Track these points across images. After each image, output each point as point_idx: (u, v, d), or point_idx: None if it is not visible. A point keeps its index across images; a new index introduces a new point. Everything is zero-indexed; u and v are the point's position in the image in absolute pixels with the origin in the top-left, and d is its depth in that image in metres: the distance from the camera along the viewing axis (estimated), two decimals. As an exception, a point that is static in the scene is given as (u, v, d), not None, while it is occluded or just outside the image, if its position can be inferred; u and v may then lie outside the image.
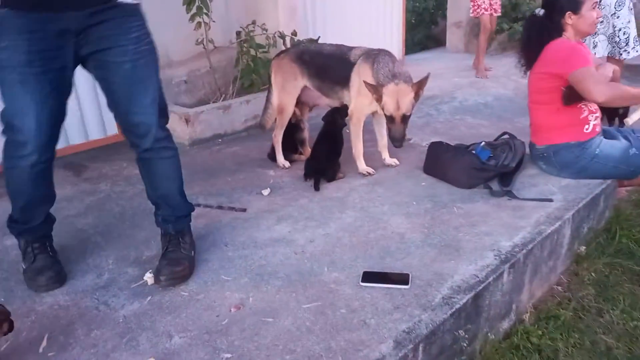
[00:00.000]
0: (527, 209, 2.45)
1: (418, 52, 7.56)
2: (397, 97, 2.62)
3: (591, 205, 2.58)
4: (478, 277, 1.92)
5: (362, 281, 1.92)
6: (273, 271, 2.04)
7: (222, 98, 4.07)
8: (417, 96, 2.66)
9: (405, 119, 2.67)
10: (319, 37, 4.08)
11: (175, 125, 3.78)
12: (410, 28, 7.43)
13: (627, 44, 4.35)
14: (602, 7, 4.25)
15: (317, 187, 2.80)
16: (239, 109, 3.96)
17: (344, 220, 2.44)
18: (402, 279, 1.92)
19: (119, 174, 3.24)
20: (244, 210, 2.61)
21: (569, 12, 2.63)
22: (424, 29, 8.43)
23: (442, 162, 2.79)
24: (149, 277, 2.00)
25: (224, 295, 1.90)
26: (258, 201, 2.72)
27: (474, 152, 2.97)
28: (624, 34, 4.34)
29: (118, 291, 1.95)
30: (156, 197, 2.10)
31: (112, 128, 3.90)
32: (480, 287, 1.87)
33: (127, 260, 2.19)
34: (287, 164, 3.19)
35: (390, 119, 2.68)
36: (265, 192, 2.80)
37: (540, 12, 2.79)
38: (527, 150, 2.96)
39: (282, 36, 3.89)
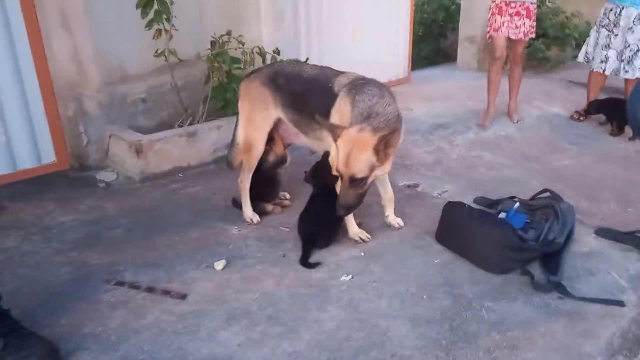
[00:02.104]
0: (589, 318, 1.69)
1: (425, 67, 6.83)
2: (350, 149, 1.84)
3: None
4: None
5: None
6: None
7: (188, 122, 3.32)
8: (379, 154, 1.85)
9: (355, 182, 1.87)
10: (308, 59, 3.34)
11: (125, 156, 3.03)
12: (417, 41, 6.69)
13: (630, 62, 3.77)
14: (622, 18, 3.82)
15: (305, 262, 2.04)
16: (207, 136, 3.21)
17: (322, 326, 1.68)
18: None
19: (38, 222, 2.49)
20: (183, 297, 1.85)
21: None
22: (432, 42, 7.69)
23: (464, 233, 2.03)
24: None
25: None
26: (206, 281, 1.95)
27: (503, 214, 2.22)
28: (630, 50, 3.76)
29: None
30: None
31: (49, 155, 3.15)
32: None
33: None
34: (255, 218, 2.42)
35: (339, 176, 1.93)
36: (219, 265, 2.04)
37: None
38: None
39: (262, 53, 3.15)
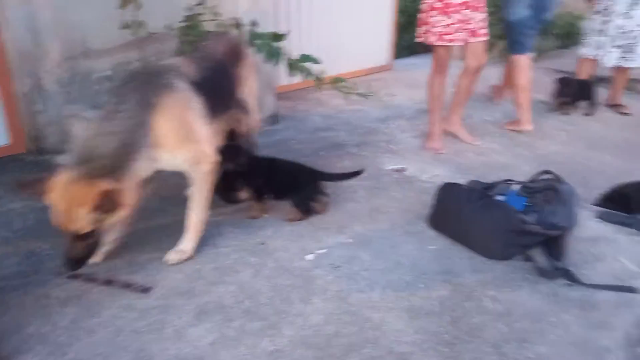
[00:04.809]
0: (602, 307, 1.53)
1: (407, 56, 6.67)
2: (64, 206, 1.46)
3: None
4: None
5: None
6: None
7: (158, 102, 3.05)
8: (104, 210, 1.47)
9: (81, 236, 1.51)
10: (289, 31, 3.10)
11: (86, 138, 2.75)
12: (399, 30, 6.53)
13: (632, 50, 3.66)
14: (613, 3, 3.66)
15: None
16: (178, 117, 2.95)
17: (307, 320, 1.47)
18: None
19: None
20: (147, 290, 1.61)
21: None
22: (414, 31, 7.52)
23: (461, 217, 1.85)
24: None
25: None
26: (174, 272, 1.72)
27: (501, 197, 2.05)
28: (630, 37, 3.65)
29: None
30: None
31: (2, 137, 2.84)
32: None
33: None
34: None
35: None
36: (188, 254, 1.81)
37: None
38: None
39: (238, 25, 2.90)
